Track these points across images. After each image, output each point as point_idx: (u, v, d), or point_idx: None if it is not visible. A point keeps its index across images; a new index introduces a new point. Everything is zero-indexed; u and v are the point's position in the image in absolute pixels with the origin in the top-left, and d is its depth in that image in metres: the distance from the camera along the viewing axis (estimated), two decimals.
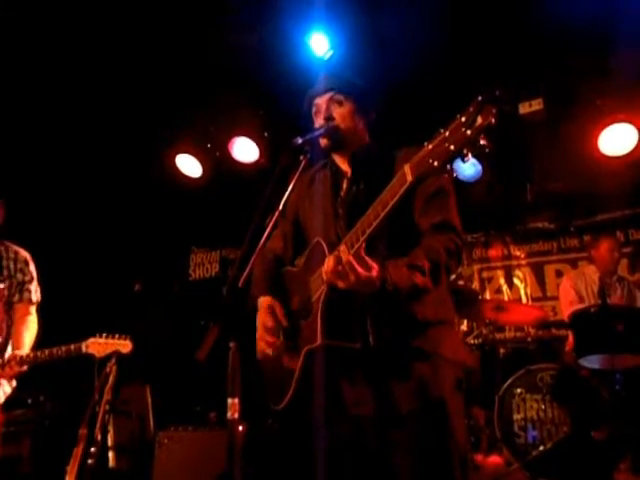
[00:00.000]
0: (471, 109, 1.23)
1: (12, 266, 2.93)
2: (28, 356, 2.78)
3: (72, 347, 2.78)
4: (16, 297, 2.93)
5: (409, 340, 1.67)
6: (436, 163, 1.30)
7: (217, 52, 4.05)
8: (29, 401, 4.11)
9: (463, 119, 1.25)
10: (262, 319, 1.83)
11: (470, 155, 1.25)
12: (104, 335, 2.80)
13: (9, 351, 2.87)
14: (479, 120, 1.22)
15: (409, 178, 1.37)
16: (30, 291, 2.96)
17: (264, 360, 1.87)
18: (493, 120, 1.21)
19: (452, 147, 1.26)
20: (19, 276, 2.94)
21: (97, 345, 2.79)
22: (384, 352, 1.65)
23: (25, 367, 2.77)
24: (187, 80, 4.29)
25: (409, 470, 1.61)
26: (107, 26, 3.76)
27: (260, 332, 1.82)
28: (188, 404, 4.53)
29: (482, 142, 1.23)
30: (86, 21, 3.70)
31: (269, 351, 1.79)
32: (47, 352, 2.78)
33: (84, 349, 2.77)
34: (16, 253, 2.97)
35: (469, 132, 1.23)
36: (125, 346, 2.83)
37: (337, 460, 1.73)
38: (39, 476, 3.96)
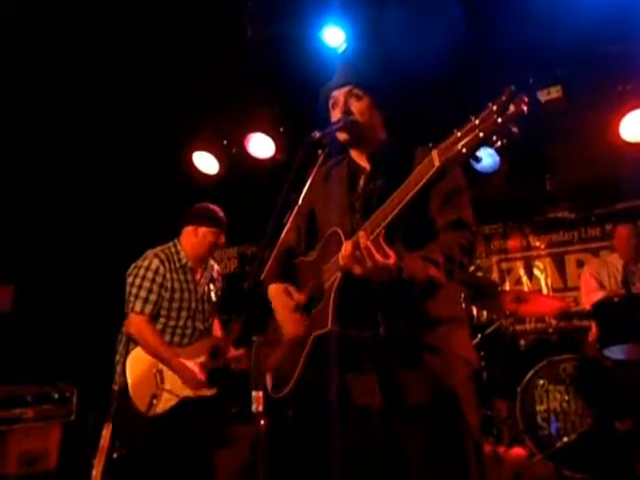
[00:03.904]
0: (503, 97, 1.23)
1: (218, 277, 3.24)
2: (228, 348, 3.00)
3: None
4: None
5: (420, 335, 1.67)
6: (465, 150, 1.30)
7: (230, 48, 4.06)
8: (56, 396, 4.20)
9: (495, 107, 1.24)
10: (282, 302, 1.81)
11: (499, 143, 1.25)
12: None
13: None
14: (511, 108, 1.22)
15: (436, 163, 1.36)
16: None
17: (271, 345, 1.88)
18: (525, 108, 1.20)
19: (482, 134, 1.26)
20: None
21: None
22: (394, 344, 1.65)
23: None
24: (202, 77, 4.31)
25: (423, 461, 1.62)
26: (125, 24, 3.79)
27: (284, 314, 1.80)
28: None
29: (514, 129, 1.23)
30: (105, 18, 3.74)
31: (299, 330, 1.75)
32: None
33: None
34: (214, 267, 3.24)
35: (500, 120, 1.23)
36: None
37: (346, 451, 1.73)
38: (67, 469, 4.05)
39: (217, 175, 5.18)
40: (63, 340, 4.69)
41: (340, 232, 1.66)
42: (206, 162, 5.15)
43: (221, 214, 3.11)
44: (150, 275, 2.86)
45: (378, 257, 1.46)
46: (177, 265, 2.97)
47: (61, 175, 4.78)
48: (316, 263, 1.79)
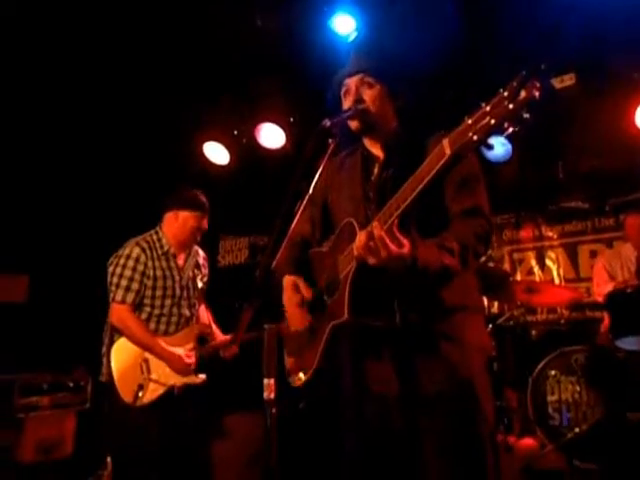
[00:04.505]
0: (514, 83, 1.21)
1: (204, 263, 3.18)
2: (239, 337, 2.92)
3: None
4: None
5: (436, 323, 1.68)
6: (476, 137, 1.28)
7: (241, 38, 4.05)
8: (71, 385, 4.27)
9: (506, 93, 1.22)
10: (288, 295, 1.85)
11: (511, 129, 1.23)
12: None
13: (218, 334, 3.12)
14: (523, 94, 1.19)
15: (447, 152, 1.35)
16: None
17: (287, 336, 1.90)
18: (537, 94, 1.18)
19: (493, 121, 1.24)
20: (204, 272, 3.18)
21: None
22: (410, 333, 1.66)
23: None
24: (212, 67, 4.31)
25: (439, 450, 1.62)
26: (134, 14, 3.79)
27: (289, 308, 1.84)
28: (220, 388, 4.62)
29: (525, 115, 1.21)
30: (114, 6, 3.73)
31: (301, 325, 1.80)
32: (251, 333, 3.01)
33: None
34: (200, 253, 3.20)
35: (512, 106, 1.21)
36: None
37: (363, 439, 1.75)
38: (82, 456, 4.12)
39: (228, 165, 5.19)
40: (77, 329, 4.75)
41: (354, 222, 1.66)
42: (217, 153, 5.16)
43: (203, 198, 3.01)
44: (131, 264, 2.81)
45: (392, 247, 1.45)
46: (159, 252, 2.90)
47: (70, 169, 4.82)
48: (330, 254, 1.80)
